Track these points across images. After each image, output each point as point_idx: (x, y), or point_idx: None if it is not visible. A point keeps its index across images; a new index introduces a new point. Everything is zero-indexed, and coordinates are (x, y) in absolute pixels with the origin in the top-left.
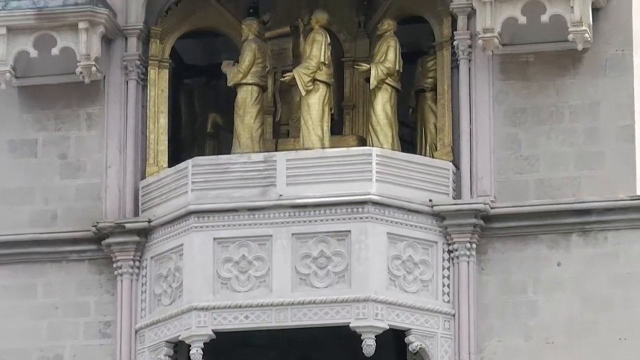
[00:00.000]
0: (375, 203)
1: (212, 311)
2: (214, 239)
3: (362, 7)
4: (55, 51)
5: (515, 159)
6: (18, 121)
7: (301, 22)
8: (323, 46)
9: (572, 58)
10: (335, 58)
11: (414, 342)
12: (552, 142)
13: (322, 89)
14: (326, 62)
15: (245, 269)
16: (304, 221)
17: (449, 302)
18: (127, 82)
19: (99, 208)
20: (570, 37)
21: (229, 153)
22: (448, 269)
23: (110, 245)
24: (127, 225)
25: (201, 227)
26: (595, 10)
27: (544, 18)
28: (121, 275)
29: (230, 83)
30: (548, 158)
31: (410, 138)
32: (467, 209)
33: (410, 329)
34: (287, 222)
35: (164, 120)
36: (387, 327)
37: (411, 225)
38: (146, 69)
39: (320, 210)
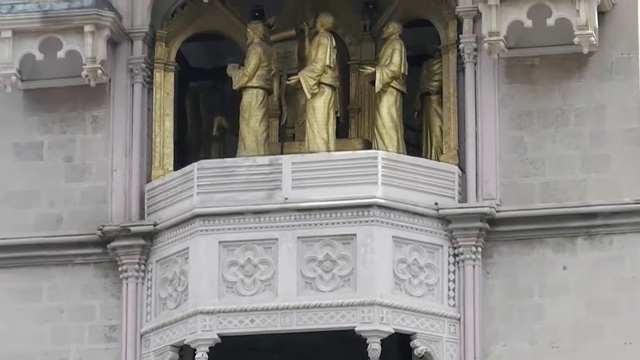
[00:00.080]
0: (380, 206)
1: (218, 315)
2: (220, 242)
3: (367, 11)
4: (60, 54)
5: (520, 162)
6: (23, 124)
7: (306, 25)
8: (328, 49)
9: (578, 61)
10: (341, 61)
11: (420, 346)
12: (558, 145)
13: (327, 92)
14: (331, 66)
15: (250, 273)
16: (310, 224)
17: (454, 306)
18: (132, 85)
19: (104, 211)
20: (576, 40)
21: (234, 156)
22: (453, 272)
23: (115, 248)
24: (132, 228)
25: (207, 230)
26: (601, 13)
27: (550, 21)
28: (126, 278)
29: (235, 86)
30: (554, 161)
31: (415, 141)
32: (473, 212)
33: (415, 333)
34: (293, 226)
35: (169, 124)
36: (393, 331)
37: (417, 229)
38: (152, 72)
39: (325, 214)
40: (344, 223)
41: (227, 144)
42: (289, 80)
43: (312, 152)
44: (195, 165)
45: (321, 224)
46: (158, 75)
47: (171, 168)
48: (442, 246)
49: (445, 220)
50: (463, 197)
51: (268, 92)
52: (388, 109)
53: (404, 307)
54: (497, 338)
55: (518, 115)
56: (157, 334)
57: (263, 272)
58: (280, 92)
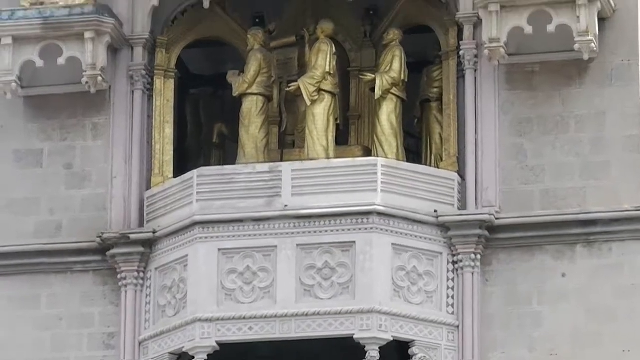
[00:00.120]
0: (380, 214)
1: (217, 322)
2: (219, 249)
3: (368, 17)
4: (61, 61)
5: (520, 169)
6: (23, 131)
7: (307, 31)
8: (328, 56)
9: (578, 68)
10: (341, 68)
11: (418, 354)
12: (558, 152)
13: (327, 99)
14: (331, 72)
15: (249, 280)
16: (309, 232)
17: (453, 313)
18: (132, 92)
19: (104, 218)
20: (576, 47)
21: (234, 163)
22: (452, 280)
23: (114, 256)
24: (131, 236)
25: (206, 237)
26: (602, 20)
27: (550, 28)
28: (125, 286)
29: (235, 93)
30: (553, 168)
31: (415, 148)
32: (472, 219)
33: (414, 341)
34: (292, 233)
35: (169, 130)
36: (391, 339)
37: (416, 236)
38: (152, 79)
39: (325, 221)
40: (343, 230)
41: (227, 151)
42: (289, 87)
43: (311, 159)
44: (195, 173)
45: (320, 232)
46: (158, 82)
47: (171, 175)
48: (441, 253)
49: (444, 227)
50: (462, 205)
51: (268, 98)
52: (388, 115)
53: (403, 314)
54: (496, 345)
55: (518, 122)
56: (155, 342)
57: (262, 280)
58: (280, 99)
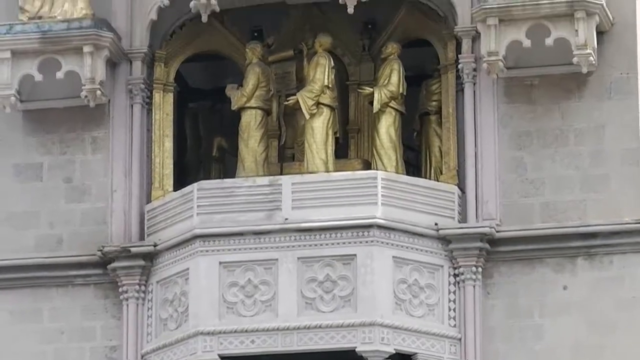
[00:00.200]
0: (380, 227)
1: (218, 336)
2: (220, 263)
3: (366, 31)
4: (60, 75)
5: (520, 182)
6: (23, 145)
7: (305, 45)
8: (327, 70)
9: (577, 81)
10: (340, 81)
11: None
12: (558, 165)
13: (326, 112)
14: (330, 86)
15: (251, 293)
16: (310, 245)
17: (454, 326)
18: (132, 105)
19: (104, 232)
20: (575, 60)
21: (234, 177)
22: (454, 292)
23: (115, 269)
24: (132, 249)
25: (207, 251)
26: (600, 33)
27: (549, 41)
28: (127, 299)
29: (234, 107)
30: (553, 181)
31: (415, 161)
32: (473, 232)
33: (416, 354)
34: (293, 246)
35: (169, 144)
36: (393, 352)
37: (417, 249)
38: (151, 93)
39: (325, 234)
40: (344, 243)
41: (227, 165)
42: (288, 101)
43: (311, 173)
44: (195, 186)
45: (321, 245)
46: (157, 96)
47: (171, 189)
48: (442, 266)
49: (445, 240)
50: (463, 217)
51: (267, 112)
52: (387, 129)
53: (405, 327)
54: (497, 358)
55: (517, 135)
56: (157, 355)
57: (263, 293)
58: (279, 113)
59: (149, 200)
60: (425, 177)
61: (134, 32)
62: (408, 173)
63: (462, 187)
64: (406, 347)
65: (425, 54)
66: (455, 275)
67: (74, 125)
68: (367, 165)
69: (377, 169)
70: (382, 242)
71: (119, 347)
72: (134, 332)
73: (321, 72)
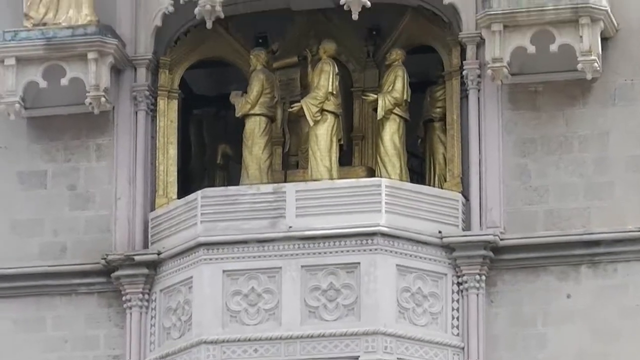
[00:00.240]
0: (384, 235)
1: (222, 344)
2: (224, 271)
3: (371, 37)
4: (64, 82)
5: (524, 190)
6: (27, 152)
7: (309, 52)
8: (331, 76)
9: (581, 87)
10: (345, 88)
11: None
12: (562, 173)
13: (330, 119)
14: (334, 93)
15: (254, 302)
16: (313, 253)
17: (458, 334)
18: (136, 112)
19: (108, 240)
20: (579, 66)
21: (239, 184)
22: (457, 301)
23: (119, 278)
24: (136, 257)
25: (210, 259)
26: (604, 39)
27: (553, 47)
28: (130, 308)
29: (238, 114)
30: (557, 188)
31: (419, 169)
32: (477, 240)
33: None
34: (297, 254)
35: (173, 151)
36: None
37: (420, 257)
38: (155, 100)
39: (329, 242)
40: (347, 251)
41: (231, 172)
42: (292, 108)
43: (315, 180)
44: (199, 194)
45: (325, 253)
46: (162, 103)
47: (175, 196)
48: (446, 274)
49: (449, 248)
50: (467, 225)
51: (271, 119)
52: (391, 136)
53: (408, 336)
54: None
55: (522, 142)
56: None
57: (267, 301)
58: (283, 120)
59: (153, 208)
60: (429, 185)
61: (138, 39)
62: (412, 180)
63: (466, 194)
64: (409, 356)
65: (430, 60)
66: (458, 284)
67: (78, 133)
68: (371, 173)
69: (381, 177)
70: (386, 250)
71: (123, 356)
72: (137, 340)
73: (325, 79)
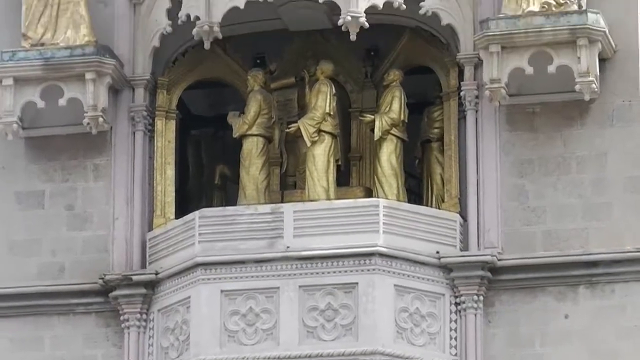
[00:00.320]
0: (382, 255)
1: None
2: (221, 291)
3: (369, 58)
4: (62, 102)
5: (522, 210)
6: (25, 172)
7: (307, 72)
8: (328, 97)
9: (579, 108)
10: (342, 108)
11: None
12: (559, 193)
13: (327, 140)
14: (331, 113)
15: (252, 322)
16: (311, 273)
17: (456, 355)
18: (134, 133)
19: (106, 260)
20: (577, 87)
21: (236, 205)
22: (455, 321)
23: (117, 297)
24: (134, 277)
25: (208, 279)
26: (602, 60)
27: (551, 69)
28: (128, 328)
29: (235, 134)
30: (555, 209)
31: (417, 189)
32: (474, 260)
33: None
34: (294, 275)
35: (171, 172)
36: None
37: (418, 278)
38: (153, 120)
39: (327, 262)
40: (345, 272)
41: (229, 193)
42: (289, 128)
43: (312, 201)
44: (196, 214)
45: (323, 273)
46: (159, 123)
47: (173, 216)
48: (443, 295)
49: (446, 268)
50: (464, 246)
51: (268, 140)
52: (388, 156)
53: (406, 356)
54: None
55: (519, 163)
56: None
57: (265, 321)
58: (281, 140)
59: (150, 228)
60: (427, 205)
61: (136, 59)
62: (410, 201)
63: (463, 215)
64: None
65: (428, 81)
66: (456, 304)
67: (76, 153)
68: (369, 193)
69: (378, 197)
70: (384, 271)
71: None
72: None
73: (323, 100)
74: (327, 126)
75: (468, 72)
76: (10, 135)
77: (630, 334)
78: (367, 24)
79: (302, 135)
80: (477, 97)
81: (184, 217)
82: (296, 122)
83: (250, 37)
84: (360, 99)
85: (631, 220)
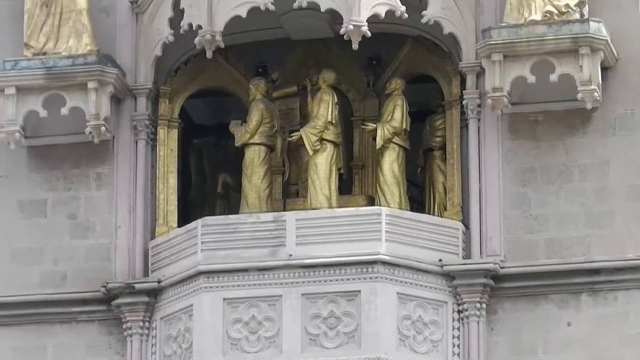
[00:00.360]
0: (384, 263)
1: None
2: (224, 299)
3: (371, 67)
4: (64, 111)
5: (524, 219)
6: (27, 181)
7: (309, 81)
8: (330, 105)
9: (581, 117)
10: (345, 117)
11: None
12: (562, 202)
13: (329, 148)
14: (333, 122)
15: (255, 330)
16: (314, 281)
17: None
18: (136, 142)
19: (108, 269)
20: (579, 96)
21: (238, 213)
22: (458, 329)
23: (119, 305)
24: (136, 285)
25: (211, 287)
26: (604, 69)
27: (553, 77)
28: (131, 336)
29: (237, 143)
30: (557, 217)
31: (419, 197)
32: (477, 268)
33: None
34: (297, 283)
35: (173, 180)
36: None
37: (421, 285)
38: (155, 129)
39: (329, 271)
40: (348, 280)
41: (231, 201)
42: (291, 137)
43: (314, 209)
44: (199, 222)
45: (325, 281)
46: (162, 132)
47: (175, 225)
48: (446, 302)
49: (449, 276)
50: (467, 254)
51: (270, 148)
52: (390, 165)
53: None
54: None
55: (522, 171)
56: None
57: (267, 329)
58: (283, 149)
59: (153, 237)
60: (429, 213)
61: (138, 68)
62: (412, 209)
63: (466, 223)
64: None
65: (430, 89)
66: (459, 312)
67: (78, 162)
68: (371, 201)
69: (380, 205)
70: (386, 279)
71: None
72: None
73: (325, 108)
74: (329, 135)
75: (470, 80)
76: (13, 144)
77: (632, 342)
78: (369, 33)
79: (304, 144)
80: (479, 105)
81: (187, 226)
82: (298, 130)
83: (253, 46)
84: (362, 107)
85: (633, 228)
